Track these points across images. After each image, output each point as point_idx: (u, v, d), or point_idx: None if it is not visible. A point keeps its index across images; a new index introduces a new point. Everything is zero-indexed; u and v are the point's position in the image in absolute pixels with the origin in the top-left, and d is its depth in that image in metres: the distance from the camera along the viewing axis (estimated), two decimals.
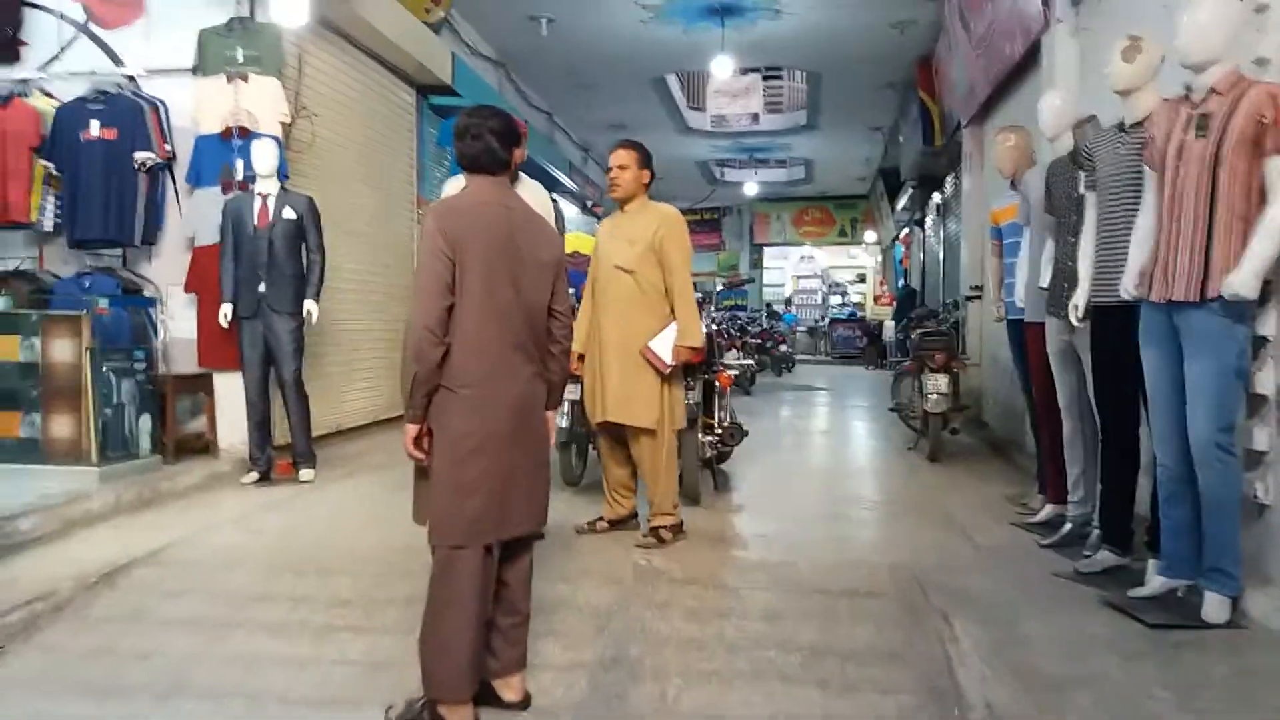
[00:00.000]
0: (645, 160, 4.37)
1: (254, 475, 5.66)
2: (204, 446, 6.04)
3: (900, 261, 19.04)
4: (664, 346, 4.25)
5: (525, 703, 2.76)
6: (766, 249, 25.05)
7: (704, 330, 4.99)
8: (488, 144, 2.67)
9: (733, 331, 13.29)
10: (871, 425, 9.24)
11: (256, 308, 5.61)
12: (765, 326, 17.71)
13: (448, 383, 2.56)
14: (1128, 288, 3.53)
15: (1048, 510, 4.77)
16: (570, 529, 4.56)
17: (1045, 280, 4.45)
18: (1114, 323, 3.76)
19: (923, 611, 3.52)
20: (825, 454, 7.47)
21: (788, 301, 24.99)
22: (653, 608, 3.58)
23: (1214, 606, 3.22)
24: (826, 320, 23.50)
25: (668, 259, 4.29)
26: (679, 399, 4.41)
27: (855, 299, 24.78)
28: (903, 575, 3.94)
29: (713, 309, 6.24)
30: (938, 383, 6.56)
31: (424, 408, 2.58)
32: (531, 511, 2.76)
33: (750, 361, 6.01)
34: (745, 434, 5.68)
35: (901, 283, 17.93)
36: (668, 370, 4.25)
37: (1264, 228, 3.07)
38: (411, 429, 2.59)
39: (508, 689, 2.76)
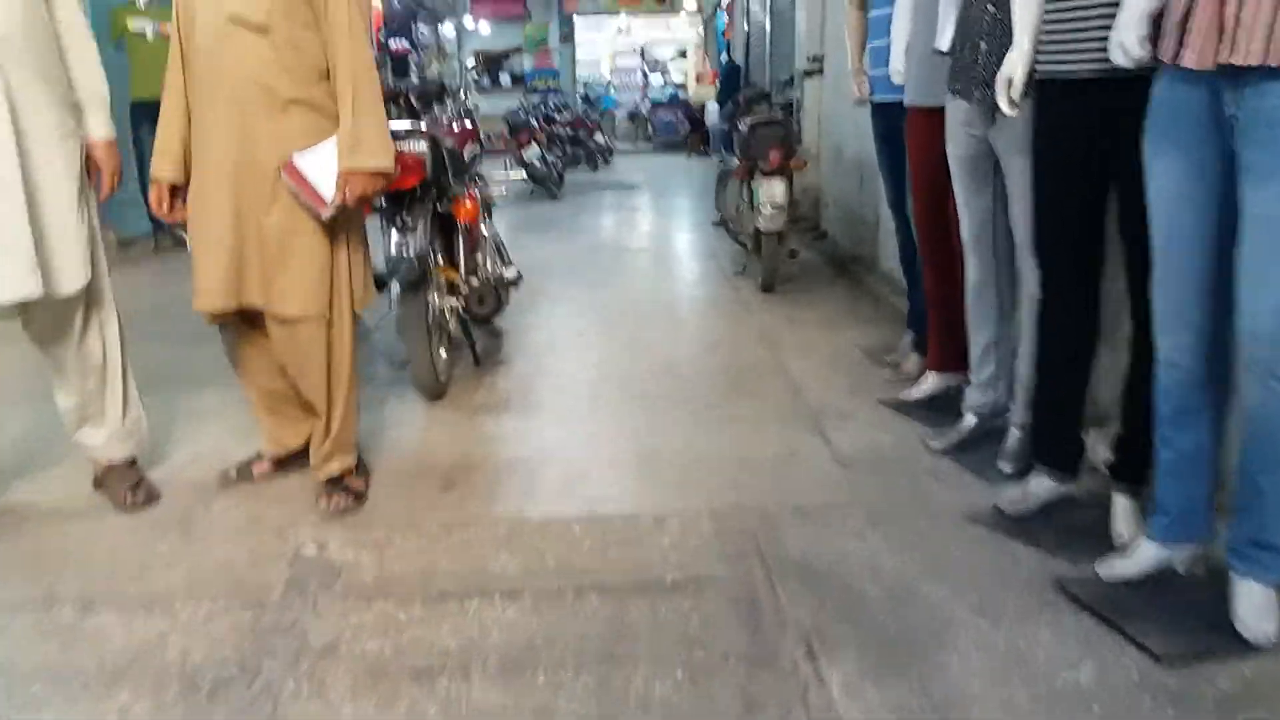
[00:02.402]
0: None
1: None
2: None
3: (723, 33, 16.96)
4: (320, 167, 2.39)
5: None
6: (578, 19, 22.23)
7: (430, 141, 3.17)
8: None
9: (534, 122, 11.22)
10: (693, 237, 7.66)
11: None
12: (579, 113, 15.51)
13: None
14: (1127, 46, 1.94)
15: (931, 382, 3.37)
16: (213, 479, 2.82)
17: (945, 41, 2.81)
18: (1081, 108, 2.22)
19: (769, 628, 2.05)
20: (634, 288, 5.76)
21: (608, 85, 22.55)
22: (300, 671, 1.95)
23: (1255, 607, 1.88)
24: (648, 103, 21.41)
25: (330, 5, 2.38)
26: (359, 259, 2.60)
27: (676, 79, 22.63)
28: (734, 536, 2.45)
29: (469, 94, 4.33)
30: (773, 191, 4.97)
31: None
32: None
33: (520, 175, 4.16)
34: (513, 284, 3.96)
35: (724, 56, 15.96)
36: (327, 213, 2.42)
37: None
38: None
39: None
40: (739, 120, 5.81)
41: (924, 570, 2.22)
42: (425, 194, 3.27)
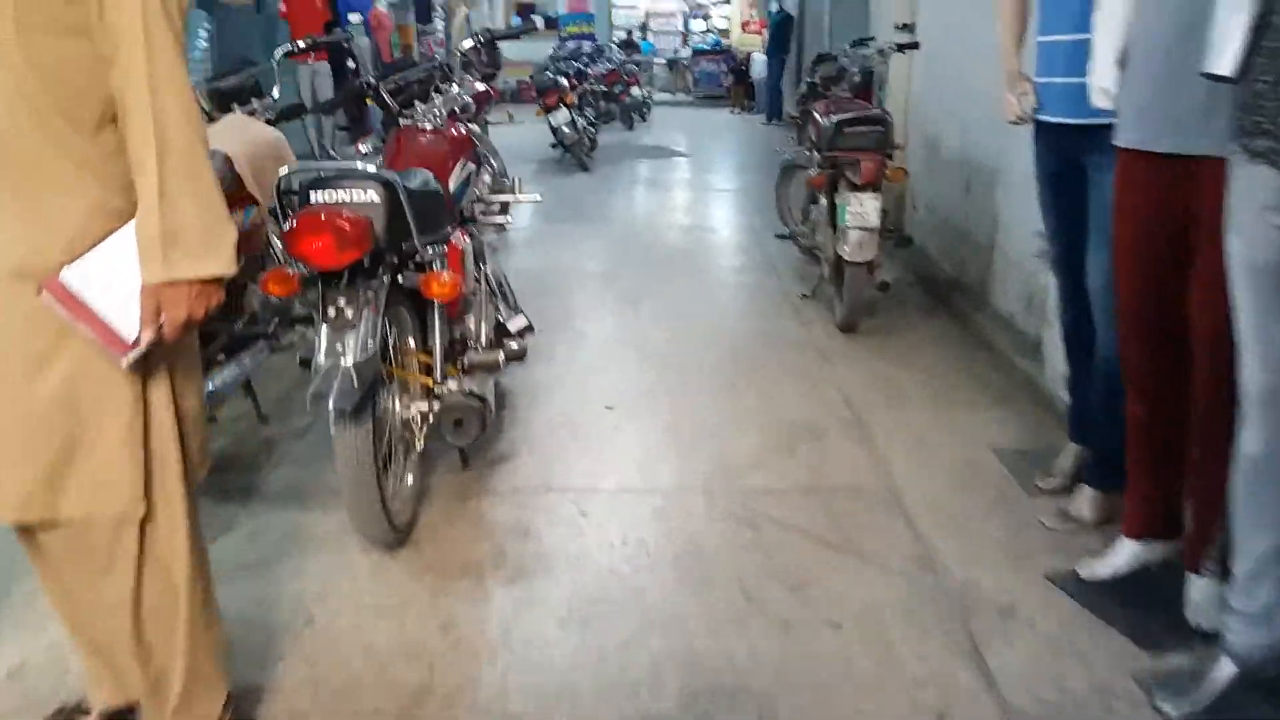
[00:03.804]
0: None
1: None
2: None
3: None
4: (110, 284, 1.32)
5: None
6: None
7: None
8: None
9: (563, 81, 9.98)
10: (743, 237, 6.44)
11: None
12: (614, 64, 14.14)
13: None
14: None
15: (1127, 554, 2.26)
16: None
17: (1228, 60, 1.63)
18: None
19: None
20: (677, 318, 4.36)
21: (644, 28, 21.14)
22: None
23: None
24: (689, 51, 20.10)
25: (115, 10, 1.29)
26: (189, 391, 1.52)
27: (719, 25, 21.20)
28: None
29: (473, 69, 3.25)
30: (863, 210, 3.80)
31: None
32: None
33: (535, 198, 3.02)
34: (517, 356, 2.87)
35: (775, 6, 14.52)
36: (129, 358, 1.34)
37: None
38: None
39: None
40: (812, 105, 4.63)
41: None
42: (376, 265, 2.18)
